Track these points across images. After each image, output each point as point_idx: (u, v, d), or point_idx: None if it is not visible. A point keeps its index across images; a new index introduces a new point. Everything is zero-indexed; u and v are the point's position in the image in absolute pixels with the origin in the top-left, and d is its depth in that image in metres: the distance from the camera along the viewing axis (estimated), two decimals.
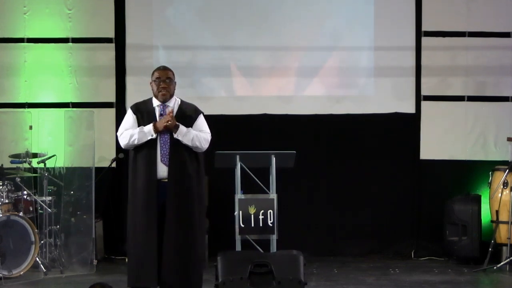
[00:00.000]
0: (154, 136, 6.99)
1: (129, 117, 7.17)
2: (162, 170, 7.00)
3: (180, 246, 6.93)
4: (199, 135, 7.09)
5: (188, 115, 7.14)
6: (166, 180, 6.98)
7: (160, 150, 7.01)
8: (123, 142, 7.13)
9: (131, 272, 7.07)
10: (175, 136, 6.98)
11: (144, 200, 6.98)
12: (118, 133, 7.17)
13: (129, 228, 7.11)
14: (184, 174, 7.00)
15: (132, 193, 7.08)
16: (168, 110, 7.09)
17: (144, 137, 7.01)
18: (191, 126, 7.11)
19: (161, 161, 7.01)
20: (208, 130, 7.21)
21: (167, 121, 6.94)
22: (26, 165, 9.17)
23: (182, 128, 7.01)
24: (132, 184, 7.09)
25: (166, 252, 6.92)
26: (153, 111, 7.12)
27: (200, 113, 7.22)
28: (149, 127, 7.00)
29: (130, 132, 7.06)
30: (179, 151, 7.01)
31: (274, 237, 7.34)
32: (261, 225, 7.30)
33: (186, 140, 7.02)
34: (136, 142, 7.04)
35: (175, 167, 6.98)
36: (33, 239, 8.63)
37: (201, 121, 7.20)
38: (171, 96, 7.13)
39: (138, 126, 7.09)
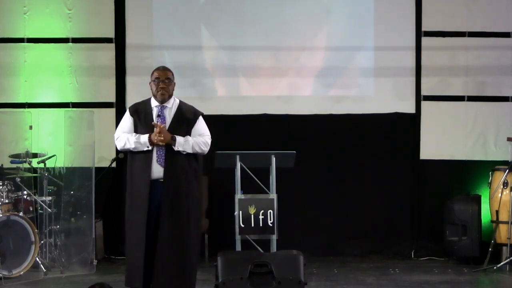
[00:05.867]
0: (150, 148, 6.97)
1: (126, 120, 7.15)
2: (158, 171, 6.98)
3: (173, 247, 6.89)
4: (198, 140, 7.06)
5: (187, 117, 7.11)
6: (162, 180, 6.98)
7: (157, 151, 6.99)
8: (119, 146, 7.13)
9: (126, 272, 7.09)
10: (175, 149, 6.95)
11: (138, 200, 6.97)
12: (115, 136, 7.15)
13: (125, 228, 7.11)
14: (180, 174, 6.97)
15: (128, 193, 7.09)
16: (165, 113, 7.07)
17: (140, 147, 6.99)
18: (190, 129, 7.09)
19: (157, 162, 6.99)
20: (208, 133, 7.18)
21: (159, 140, 6.91)
22: (26, 165, 9.17)
23: (179, 139, 6.97)
24: (128, 184, 7.09)
25: (159, 252, 6.89)
26: (151, 112, 7.10)
27: (199, 116, 7.18)
28: (145, 139, 6.96)
29: (126, 137, 7.04)
30: (175, 152, 6.99)
31: (274, 237, 7.35)
32: (261, 225, 7.31)
33: (187, 149, 7.00)
34: (131, 149, 7.04)
35: (171, 167, 6.95)
36: (33, 239, 8.63)
37: (200, 124, 7.17)
38: (170, 96, 7.11)
39: (136, 127, 7.07)
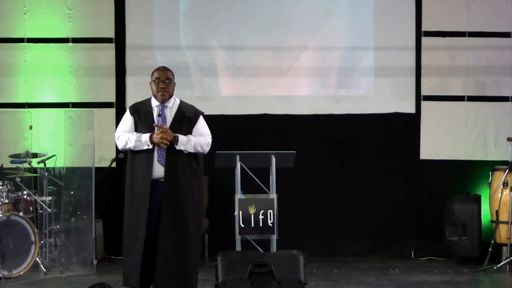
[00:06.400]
0: (151, 147, 6.95)
1: (127, 119, 7.14)
2: (159, 170, 6.97)
3: (174, 246, 6.88)
4: (200, 140, 7.06)
5: (187, 116, 7.11)
6: (163, 180, 6.97)
7: (158, 151, 6.99)
8: (119, 145, 7.12)
9: (123, 272, 7.07)
10: (177, 147, 6.95)
11: (138, 200, 6.96)
12: (116, 135, 7.15)
13: (124, 228, 7.10)
14: (181, 174, 6.96)
15: (128, 192, 7.07)
16: (166, 113, 7.06)
17: (140, 146, 6.98)
18: (191, 129, 7.09)
19: (158, 161, 6.98)
20: (209, 132, 7.18)
21: (162, 141, 6.90)
22: (26, 165, 9.17)
23: (181, 138, 6.97)
24: (128, 183, 7.07)
25: (159, 252, 6.88)
26: (152, 111, 7.09)
27: (199, 115, 7.18)
28: (146, 138, 6.95)
29: (127, 136, 7.02)
30: (176, 151, 6.98)
31: (274, 237, 7.34)
32: (261, 225, 7.30)
33: (189, 149, 7.00)
34: (132, 148, 7.03)
35: (172, 167, 6.95)
36: (33, 239, 8.62)
37: (201, 124, 7.16)
38: (170, 96, 7.11)
39: (136, 127, 7.07)
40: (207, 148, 7.12)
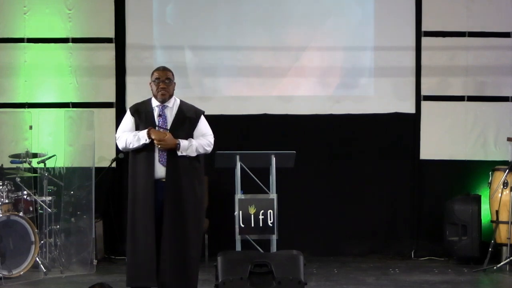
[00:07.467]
0: (148, 141, 6.96)
1: (127, 119, 7.15)
2: (160, 171, 6.98)
3: (175, 246, 6.90)
4: (201, 143, 7.07)
5: (188, 116, 7.11)
6: (164, 180, 6.98)
7: (159, 151, 6.99)
8: (120, 146, 7.13)
9: (129, 272, 7.06)
10: (179, 153, 6.95)
11: (142, 200, 6.97)
12: (116, 136, 7.16)
13: (128, 228, 7.10)
14: (182, 174, 6.97)
15: (131, 193, 7.08)
16: (166, 113, 7.07)
17: (138, 142, 6.99)
18: (192, 129, 7.10)
19: (159, 161, 6.99)
20: (211, 132, 7.19)
21: (161, 145, 6.91)
22: (26, 165, 9.17)
23: (183, 144, 6.97)
24: (131, 184, 7.08)
25: (162, 251, 6.91)
26: (152, 111, 7.10)
27: (201, 115, 7.19)
28: (144, 133, 6.98)
29: (127, 135, 7.05)
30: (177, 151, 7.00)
31: (274, 237, 7.34)
32: (261, 225, 7.30)
33: (190, 154, 7.00)
34: (131, 146, 7.03)
35: (173, 167, 6.96)
36: (33, 239, 8.63)
37: (203, 125, 7.17)
38: (171, 96, 7.12)
39: (137, 127, 7.08)
40: (209, 148, 7.14)
